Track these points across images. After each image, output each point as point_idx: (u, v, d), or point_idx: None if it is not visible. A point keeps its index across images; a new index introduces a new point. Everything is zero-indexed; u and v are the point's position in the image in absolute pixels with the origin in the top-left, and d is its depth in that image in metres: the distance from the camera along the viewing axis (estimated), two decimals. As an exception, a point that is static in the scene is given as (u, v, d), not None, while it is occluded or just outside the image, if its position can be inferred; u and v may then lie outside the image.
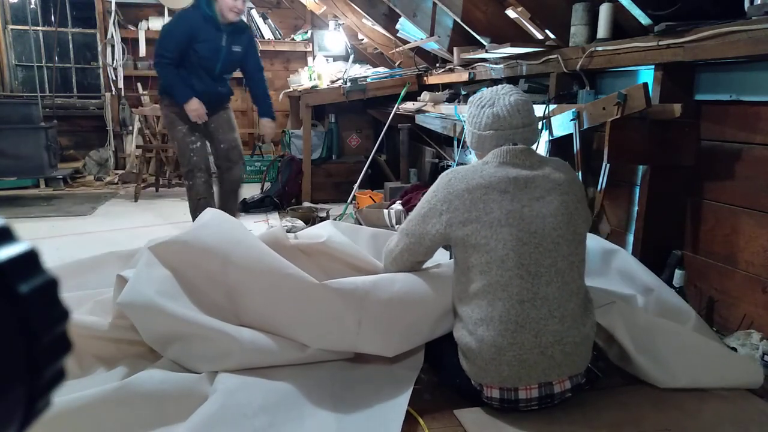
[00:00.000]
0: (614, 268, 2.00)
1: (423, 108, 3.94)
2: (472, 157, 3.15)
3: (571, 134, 2.27)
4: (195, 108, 3.21)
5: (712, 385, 1.61)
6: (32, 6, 6.07)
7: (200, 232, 1.69)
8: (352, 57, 5.31)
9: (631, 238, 2.32)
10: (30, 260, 0.30)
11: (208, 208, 1.91)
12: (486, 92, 1.61)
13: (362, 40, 5.60)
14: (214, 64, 3.28)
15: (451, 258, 1.68)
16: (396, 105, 4.34)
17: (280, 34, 6.39)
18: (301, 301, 1.58)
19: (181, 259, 1.65)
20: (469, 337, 1.49)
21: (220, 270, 1.62)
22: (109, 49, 5.97)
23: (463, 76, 3.70)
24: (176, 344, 1.58)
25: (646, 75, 2.28)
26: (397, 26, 4.20)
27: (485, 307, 1.47)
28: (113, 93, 6.08)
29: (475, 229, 1.48)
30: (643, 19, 2.09)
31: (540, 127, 2.37)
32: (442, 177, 1.58)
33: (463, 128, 3.16)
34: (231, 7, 3.13)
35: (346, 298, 1.56)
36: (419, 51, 4.33)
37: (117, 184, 5.77)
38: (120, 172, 6.00)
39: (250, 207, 4.38)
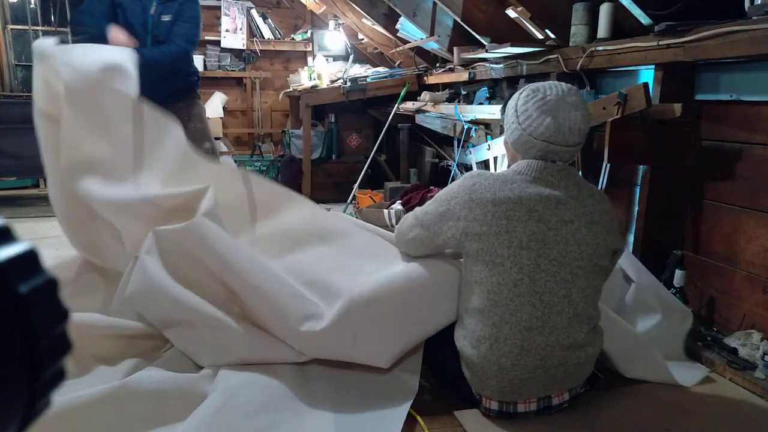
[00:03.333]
0: None
1: (423, 108, 3.94)
2: (472, 157, 3.15)
3: (571, 134, 2.26)
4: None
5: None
6: (32, 6, 6.07)
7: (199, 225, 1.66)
8: (352, 57, 5.30)
9: (631, 238, 2.32)
10: (30, 260, 0.30)
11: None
12: (551, 94, 1.41)
13: (362, 39, 5.59)
14: (144, 38, 2.81)
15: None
16: (396, 105, 4.34)
17: (280, 34, 6.38)
18: (299, 316, 1.53)
19: (181, 248, 1.68)
20: (472, 350, 1.44)
21: (217, 270, 1.62)
22: (108, 49, 5.95)
23: (463, 75, 3.69)
24: (181, 330, 1.62)
25: (647, 75, 2.28)
26: (397, 26, 4.20)
27: (489, 327, 1.40)
28: (113, 93, 6.06)
29: (491, 246, 1.37)
30: (644, 19, 2.08)
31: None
32: (466, 179, 1.45)
33: (463, 128, 3.16)
34: None
35: (343, 315, 1.50)
36: (419, 51, 4.32)
37: (117, 184, 5.76)
38: (120, 171, 5.99)
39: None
